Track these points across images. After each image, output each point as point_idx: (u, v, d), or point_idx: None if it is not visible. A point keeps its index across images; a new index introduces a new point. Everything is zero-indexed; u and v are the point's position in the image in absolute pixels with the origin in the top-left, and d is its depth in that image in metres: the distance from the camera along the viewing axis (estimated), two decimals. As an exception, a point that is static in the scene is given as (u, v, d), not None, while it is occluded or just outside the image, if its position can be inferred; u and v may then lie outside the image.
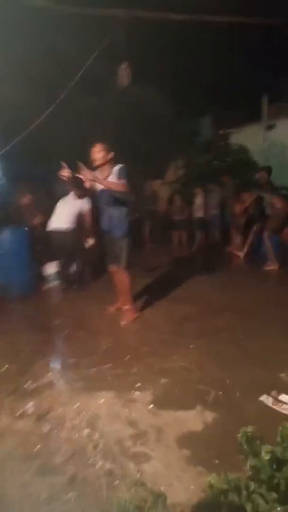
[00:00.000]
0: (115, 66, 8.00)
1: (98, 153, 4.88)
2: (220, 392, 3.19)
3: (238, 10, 7.74)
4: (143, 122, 11.97)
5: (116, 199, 4.89)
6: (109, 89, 10.53)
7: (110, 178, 4.85)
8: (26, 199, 8.00)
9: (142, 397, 3.22)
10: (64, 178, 4.61)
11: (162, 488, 1.96)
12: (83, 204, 7.03)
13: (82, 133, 10.60)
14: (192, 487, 2.21)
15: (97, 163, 4.88)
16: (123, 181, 4.78)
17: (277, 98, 10.76)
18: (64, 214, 6.96)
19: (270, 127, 11.03)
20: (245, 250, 8.75)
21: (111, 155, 4.91)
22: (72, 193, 6.93)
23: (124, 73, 7.44)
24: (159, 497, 1.78)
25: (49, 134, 10.41)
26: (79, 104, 11.00)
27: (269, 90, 10.73)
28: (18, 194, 8.26)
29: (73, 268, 7.34)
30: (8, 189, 9.46)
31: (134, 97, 11.24)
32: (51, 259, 7.46)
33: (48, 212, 7.44)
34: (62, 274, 7.33)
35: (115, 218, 4.97)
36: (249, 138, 11.53)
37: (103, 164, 4.88)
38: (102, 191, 4.92)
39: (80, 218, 7.06)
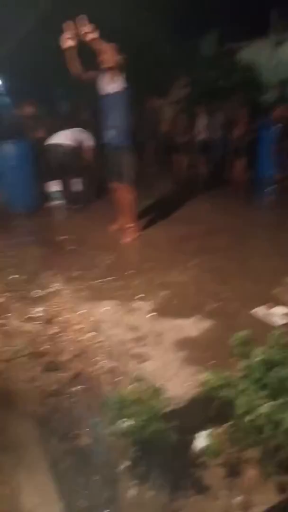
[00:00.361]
0: None
1: (106, 52, 4.54)
2: (217, 304, 3.37)
3: None
4: (143, 36, 11.38)
5: (121, 107, 4.80)
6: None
7: (116, 85, 4.71)
8: (28, 111, 7.82)
9: (143, 306, 3.40)
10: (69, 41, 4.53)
11: (160, 383, 2.13)
12: (87, 138, 7.00)
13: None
14: (187, 383, 2.41)
15: (105, 64, 4.59)
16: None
17: (286, 13, 10.26)
18: (65, 133, 6.92)
19: (279, 44, 10.57)
20: None
21: (120, 57, 4.63)
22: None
23: None
24: (157, 390, 1.97)
25: (51, 51, 10.01)
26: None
27: (279, 4, 10.18)
28: (21, 107, 8.09)
29: (76, 186, 7.36)
30: (10, 102, 9.26)
31: (133, 9, 10.63)
32: (54, 176, 7.44)
33: (51, 128, 7.36)
34: (63, 192, 7.34)
35: (119, 128, 4.88)
36: (257, 55, 11.08)
37: (111, 67, 4.60)
38: (107, 96, 4.79)
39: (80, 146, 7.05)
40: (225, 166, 9.76)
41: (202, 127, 10.54)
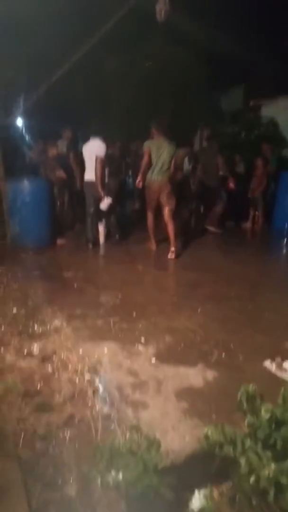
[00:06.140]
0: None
1: None
2: (223, 354, 3.20)
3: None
4: (169, 86, 11.64)
5: None
6: (137, 47, 10.20)
7: None
8: (50, 153, 8.02)
9: (145, 351, 3.23)
10: None
11: (157, 435, 1.96)
12: (99, 150, 6.80)
13: (106, 93, 10.40)
14: (187, 437, 2.23)
15: None
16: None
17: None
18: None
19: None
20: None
21: None
22: (92, 139, 6.83)
23: (161, 7, 6.96)
24: (153, 443, 1.80)
25: (72, 92, 10.25)
26: (105, 62, 10.69)
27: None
28: (42, 148, 8.33)
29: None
30: (31, 143, 9.46)
31: (163, 60, 10.90)
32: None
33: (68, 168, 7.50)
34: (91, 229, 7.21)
35: None
36: (281, 112, 11.26)
37: None
38: None
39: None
40: (241, 216, 9.74)
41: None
